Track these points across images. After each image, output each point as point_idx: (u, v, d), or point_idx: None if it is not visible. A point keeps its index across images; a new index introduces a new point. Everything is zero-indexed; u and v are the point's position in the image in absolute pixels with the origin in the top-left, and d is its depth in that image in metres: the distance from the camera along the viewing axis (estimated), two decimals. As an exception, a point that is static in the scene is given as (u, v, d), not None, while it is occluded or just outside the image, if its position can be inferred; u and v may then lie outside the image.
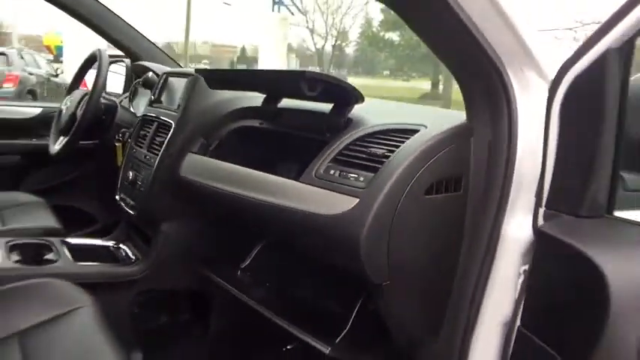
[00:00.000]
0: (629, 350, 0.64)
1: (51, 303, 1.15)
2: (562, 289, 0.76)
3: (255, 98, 1.45)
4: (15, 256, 1.47)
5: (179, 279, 1.60)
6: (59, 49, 20.75)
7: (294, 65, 36.77)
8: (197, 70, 1.55)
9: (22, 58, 11.23)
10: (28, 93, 10.65)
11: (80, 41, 15.78)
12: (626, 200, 0.83)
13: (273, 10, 24.84)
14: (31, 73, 11.06)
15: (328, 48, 30.26)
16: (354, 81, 1.33)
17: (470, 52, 0.86)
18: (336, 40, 29.51)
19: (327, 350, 1.12)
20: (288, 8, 25.50)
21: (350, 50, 35.20)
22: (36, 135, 2.38)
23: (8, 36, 27.28)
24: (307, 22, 27.24)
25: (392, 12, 0.90)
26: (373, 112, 1.19)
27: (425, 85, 24.01)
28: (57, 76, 12.52)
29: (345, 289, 1.23)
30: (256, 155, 1.33)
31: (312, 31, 28.62)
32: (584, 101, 0.76)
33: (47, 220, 1.82)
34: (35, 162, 2.34)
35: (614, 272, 0.65)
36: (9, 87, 10.23)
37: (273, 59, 22.79)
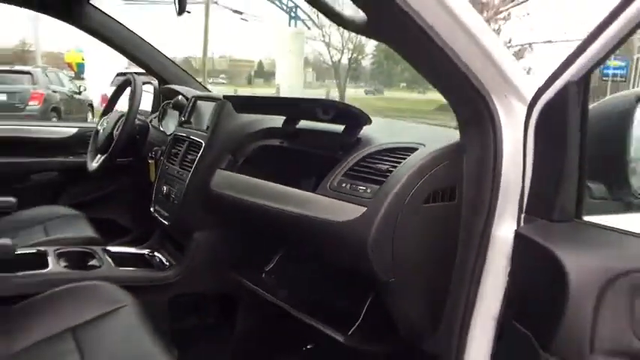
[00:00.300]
0: (585, 323, 0.77)
1: (98, 302, 1.29)
2: (534, 281, 0.89)
3: (276, 120, 1.60)
4: (63, 262, 1.63)
5: (209, 282, 1.74)
6: (80, 66, 21.07)
7: (310, 78, 36.99)
8: (225, 96, 1.71)
9: (46, 76, 11.50)
10: (52, 110, 10.91)
11: (101, 59, 16.16)
12: (593, 206, 0.96)
13: (289, 25, 25.04)
14: (55, 91, 11.33)
15: (345, 61, 30.35)
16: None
17: (455, 80, 0.98)
18: (352, 54, 29.52)
19: (342, 338, 1.27)
20: (304, 23, 25.65)
21: (366, 63, 35.29)
22: (72, 153, 2.54)
23: (32, 54, 27.84)
24: (323, 35, 27.29)
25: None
26: (379, 132, 1.33)
27: (440, 96, 24.03)
28: (80, 93, 12.78)
29: (357, 288, 1.36)
30: (278, 170, 1.47)
31: (328, 45, 28.66)
32: (552, 125, 0.90)
33: (86, 230, 1.98)
34: (72, 178, 2.51)
35: (572, 265, 0.79)
36: (34, 105, 10.49)
37: (289, 73, 22.97)
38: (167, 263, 1.82)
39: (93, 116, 13.12)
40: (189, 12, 1.82)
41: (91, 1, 2.26)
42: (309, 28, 25.88)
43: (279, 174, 1.44)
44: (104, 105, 8.55)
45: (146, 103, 2.57)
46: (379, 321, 1.29)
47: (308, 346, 1.72)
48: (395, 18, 0.85)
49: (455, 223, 1.10)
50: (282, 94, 21.13)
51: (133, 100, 2.04)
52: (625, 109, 0.93)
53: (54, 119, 10.66)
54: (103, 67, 16.48)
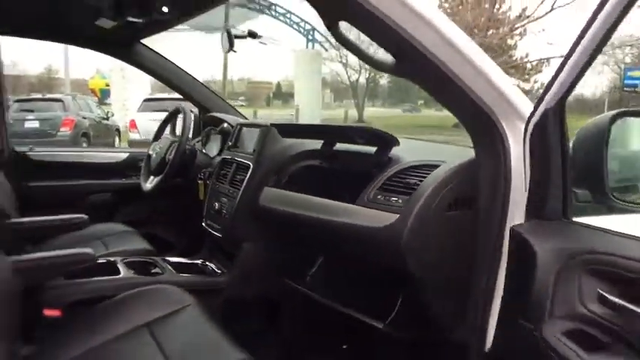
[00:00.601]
0: (547, 293, 0.97)
1: (166, 302, 1.49)
2: (519, 265, 1.08)
3: (316, 143, 1.84)
4: (131, 270, 1.86)
5: (258, 287, 1.96)
6: (103, 92, 21.60)
7: (328, 99, 37.22)
8: (272, 124, 1.96)
9: (76, 103, 11.88)
10: (82, 136, 11.26)
11: (125, 86, 16.56)
12: (580, 209, 1.13)
13: (307, 47, 25.38)
14: (84, 117, 11.66)
15: (362, 80, 30.60)
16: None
17: (468, 108, 1.15)
18: (369, 73, 29.71)
19: (381, 325, 1.49)
20: (321, 44, 25.91)
21: (384, 81, 35.50)
22: (124, 175, 2.80)
23: (57, 81, 28.54)
24: (340, 57, 27.54)
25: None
26: (407, 152, 1.56)
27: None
28: (108, 119, 13.18)
29: (390, 286, 1.56)
30: (318, 187, 1.68)
31: (345, 65, 28.89)
32: (539, 143, 1.09)
33: (142, 244, 2.20)
34: (124, 198, 2.76)
35: (540, 249, 1.00)
36: (66, 131, 10.85)
37: (308, 94, 23.24)
38: (219, 271, 2.04)
39: (120, 140, 13.50)
40: (235, 51, 2.00)
41: (141, 41, 2.55)
42: (326, 50, 26.14)
43: (319, 190, 1.66)
44: (132, 130, 8.85)
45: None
46: (411, 313, 1.50)
47: (344, 347, 1.93)
48: (418, 61, 1.05)
49: (474, 225, 1.24)
50: (302, 115, 21.42)
51: (184, 127, 2.28)
52: (602, 128, 1.12)
53: (84, 144, 11.04)
54: (127, 94, 16.99)
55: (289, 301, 1.95)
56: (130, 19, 1.82)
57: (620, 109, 1.13)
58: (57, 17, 2.23)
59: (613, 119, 1.07)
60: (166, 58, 2.66)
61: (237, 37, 1.90)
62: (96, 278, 1.77)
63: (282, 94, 44.05)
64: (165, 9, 1.74)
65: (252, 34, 2.04)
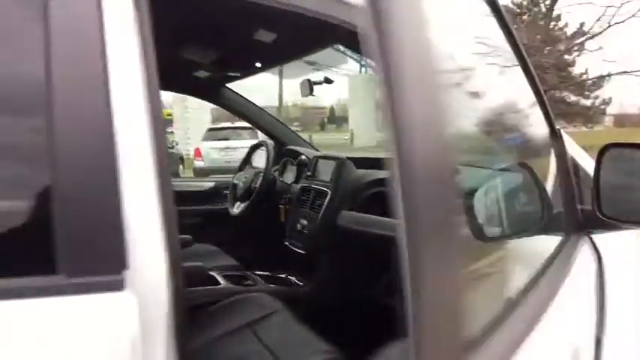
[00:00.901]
0: None
1: (262, 307, 1.77)
2: None
3: (384, 172, 2.14)
4: (229, 281, 2.18)
5: (335, 295, 2.26)
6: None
7: (381, 121, 37.30)
8: (347, 157, 2.29)
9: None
10: (151, 164, 11.94)
11: (186, 115, 17.22)
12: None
13: (360, 72, 25.77)
14: (153, 147, 12.39)
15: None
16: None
17: None
18: (421, 94, 29.74)
19: None
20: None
21: (437, 103, 35.45)
22: (210, 202, 3.15)
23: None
24: (393, 80, 27.71)
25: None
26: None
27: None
28: (173, 147, 13.86)
29: None
30: (386, 210, 1.91)
31: (398, 89, 29.08)
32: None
33: (230, 261, 2.53)
34: (211, 222, 3.09)
35: None
36: (137, 161, 11.55)
37: (362, 118, 23.57)
38: (300, 283, 2.35)
39: (184, 168, 14.14)
40: (314, 95, 2.30)
41: (226, 85, 2.93)
42: (379, 74, 26.41)
43: (386, 213, 1.92)
44: (197, 158, 9.41)
45: (260, 160, 3.12)
46: None
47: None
48: None
49: None
50: (356, 139, 21.72)
51: (268, 159, 2.63)
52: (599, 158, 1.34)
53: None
54: (190, 123, 17.72)
55: (362, 307, 2.24)
56: (230, 73, 2.18)
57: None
58: (160, 69, 2.62)
59: (603, 150, 1.31)
60: (248, 99, 3.00)
61: (315, 83, 2.24)
62: (203, 287, 2.08)
63: (336, 119, 44.51)
64: (258, 64, 2.10)
65: (328, 81, 2.37)
